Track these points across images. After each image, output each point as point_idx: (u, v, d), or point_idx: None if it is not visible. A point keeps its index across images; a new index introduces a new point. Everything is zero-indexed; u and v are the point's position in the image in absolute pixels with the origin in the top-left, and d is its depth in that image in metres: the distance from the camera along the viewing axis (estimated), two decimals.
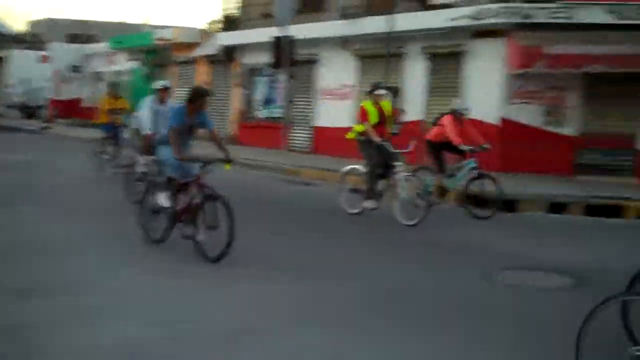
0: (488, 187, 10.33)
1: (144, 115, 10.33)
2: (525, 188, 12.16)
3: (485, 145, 10.45)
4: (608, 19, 13.83)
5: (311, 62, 18.83)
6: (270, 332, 4.91)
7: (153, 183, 8.10)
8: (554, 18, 14.02)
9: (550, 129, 14.85)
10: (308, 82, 19.12)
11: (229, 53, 21.61)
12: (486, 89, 14.94)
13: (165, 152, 7.32)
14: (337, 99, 18.29)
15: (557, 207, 11.21)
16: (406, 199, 9.53)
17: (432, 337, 4.97)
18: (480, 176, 10.42)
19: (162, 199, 7.57)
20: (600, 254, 8.11)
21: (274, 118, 20.07)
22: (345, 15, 17.41)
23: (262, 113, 20.96)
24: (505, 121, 14.87)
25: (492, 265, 7.17)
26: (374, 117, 9.81)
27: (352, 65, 17.96)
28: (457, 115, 10.54)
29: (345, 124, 17.68)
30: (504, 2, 14.38)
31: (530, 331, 5.18)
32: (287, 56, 16.33)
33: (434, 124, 10.95)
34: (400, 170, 9.66)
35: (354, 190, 10.19)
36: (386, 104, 10.14)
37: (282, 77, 18.25)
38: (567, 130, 14.80)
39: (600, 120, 14.73)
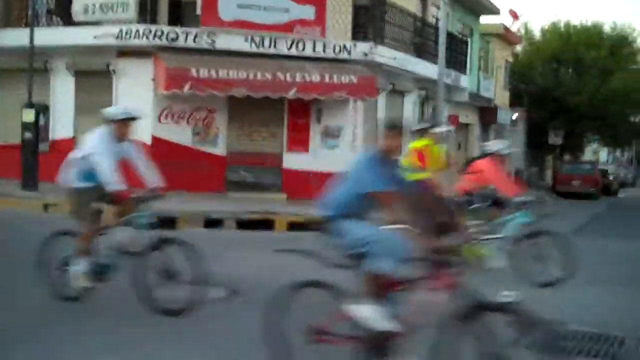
0: (549, 249, 7.85)
1: (102, 161, 6.05)
2: (181, 205, 12.43)
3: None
4: (247, 47, 14.91)
5: None
6: None
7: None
8: (197, 43, 14.63)
9: (201, 148, 15.45)
10: None
11: None
12: (136, 108, 14.91)
13: (371, 232, 4.34)
14: None
15: (212, 223, 11.78)
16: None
17: None
18: (536, 234, 7.88)
19: (371, 314, 4.25)
20: (252, 265, 8.62)
21: None
22: None
23: None
24: (156, 140, 15.05)
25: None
26: (436, 163, 7.52)
27: None
28: (502, 159, 8.48)
29: None
30: (149, 23, 14.58)
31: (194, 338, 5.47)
32: None
33: (464, 171, 8.76)
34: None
35: None
36: (437, 148, 7.84)
37: None
38: (217, 149, 15.56)
39: (248, 140, 15.84)
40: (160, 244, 6.02)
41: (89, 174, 6.15)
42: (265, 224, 12.08)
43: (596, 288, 8.01)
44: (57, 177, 6.46)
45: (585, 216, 18.80)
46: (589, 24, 35.35)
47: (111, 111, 6.42)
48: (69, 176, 6.31)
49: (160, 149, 14.90)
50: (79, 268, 6.19)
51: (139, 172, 6.39)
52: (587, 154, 45.73)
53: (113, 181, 5.96)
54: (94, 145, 6.12)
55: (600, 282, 8.33)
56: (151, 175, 6.36)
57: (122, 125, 6.24)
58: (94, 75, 15.59)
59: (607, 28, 35.34)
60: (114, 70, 15.24)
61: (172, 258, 5.95)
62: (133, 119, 6.33)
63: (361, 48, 15.72)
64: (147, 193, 6.22)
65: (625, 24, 44.30)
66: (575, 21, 37.90)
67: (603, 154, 55.18)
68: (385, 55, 16.42)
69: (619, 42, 34.34)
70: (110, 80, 15.38)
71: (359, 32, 16.22)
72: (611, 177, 34.73)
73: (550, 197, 27.21)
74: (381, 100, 17.47)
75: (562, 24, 35.60)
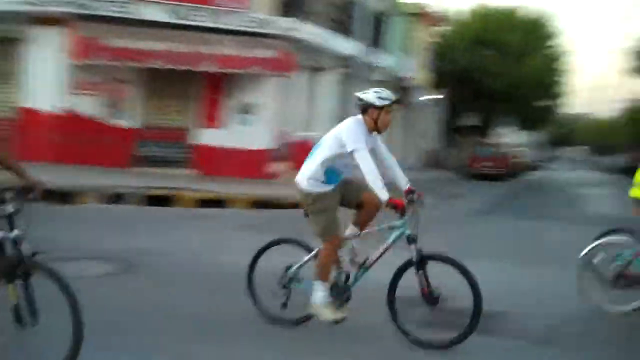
0: None
1: (366, 161, 4.77)
2: (83, 180, 12.00)
3: None
4: (166, 18, 14.51)
5: None
6: None
7: None
8: (113, 12, 14.12)
9: (111, 121, 14.98)
10: None
11: None
12: (46, 78, 14.42)
13: None
14: None
15: (115, 198, 11.36)
16: None
17: None
18: None
19: None
20: (151, 241, 8.34)
21: None
22: None
23: None
24: (65, 112, 14.52)
25: (46, 258, 6.96)
26: None
27: None
28: None
29: None
30: None
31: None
32: None
33: None
34: None
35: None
36: None
37: None
38: (127, 122, 15.13)
39: (159, 114, 15.51)
40: (424, 260, 4.80)
41: (333, 174, 5.02)
42: (168, 200, 11.65)
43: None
44: (296, 178, 5.04)
45: (489, 196, 19.31)
46: (506, 7, 36.60)
47: (378, 96, 4.89)
48: (310, 179, 4.98)
49: (68, 122, 14.44)
50: (320, 298, 4.96)
51: (388, 170, 5.14)
52: (503, 137, 47.18)
53: (382, 187, 4.71)
54: (354, 140, 4.80)
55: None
56: (402, 175, 5.13)
57: (386, 112, 4.89)
58: (2, 43, 14.79)
59: (523, 12, 36.72)
60: (22, 38, 14.50)
61: (428, 278, 4.81)
62: (398, 103, 5.04)
63: (283, 23, 15.54)
64: (411, 198, 4.94)
65: (539, 9, 45.95)
66: (496, 5, 38.91)
67: (518, 137, 56.97)
68: (307, 31, 16.31)
69: (532, 25, 35.71)
70: (15, 48, 14.64)
71: (283, 6, 16.03)
72: (521, 160, 36.00)
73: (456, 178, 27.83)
74: (301, 77, 17.37)
75: (483, 7, 36.66)
